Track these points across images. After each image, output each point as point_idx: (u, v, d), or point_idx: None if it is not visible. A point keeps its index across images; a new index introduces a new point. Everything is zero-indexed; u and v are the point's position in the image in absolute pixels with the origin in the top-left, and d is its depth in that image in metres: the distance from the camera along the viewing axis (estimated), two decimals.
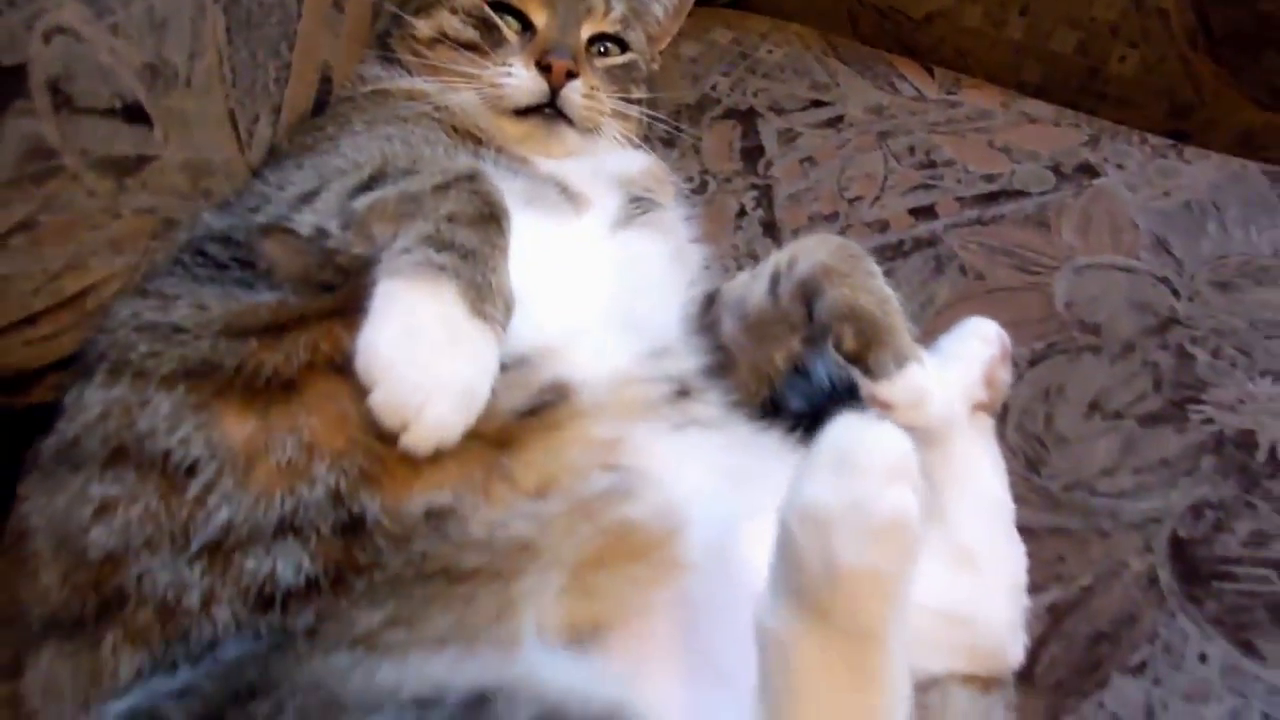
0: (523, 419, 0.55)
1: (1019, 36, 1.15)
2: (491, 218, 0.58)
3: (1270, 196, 1.00)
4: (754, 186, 1.03)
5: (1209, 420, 0.82)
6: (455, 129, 0.76)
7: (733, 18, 1.25)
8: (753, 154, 1.07)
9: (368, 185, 0.60)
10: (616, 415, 0.58)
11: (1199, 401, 0.83)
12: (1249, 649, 0.69)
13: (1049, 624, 0.71)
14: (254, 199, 0.66)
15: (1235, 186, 1.02)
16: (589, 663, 0.48)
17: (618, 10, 0.88)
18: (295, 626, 0.47)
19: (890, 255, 0.95)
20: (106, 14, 0.67)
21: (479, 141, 0.76)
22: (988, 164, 1.04)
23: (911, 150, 1.06)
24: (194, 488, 0.51)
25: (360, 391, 0.53)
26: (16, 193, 0.66)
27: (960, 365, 0.69)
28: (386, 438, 0.51)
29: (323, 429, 0.53)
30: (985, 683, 0.64)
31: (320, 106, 0.84)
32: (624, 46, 0.88)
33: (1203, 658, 0.69)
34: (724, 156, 1.07)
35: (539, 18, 0.82)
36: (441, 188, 0.58)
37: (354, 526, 0.50)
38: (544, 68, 0.78)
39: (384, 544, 0.50)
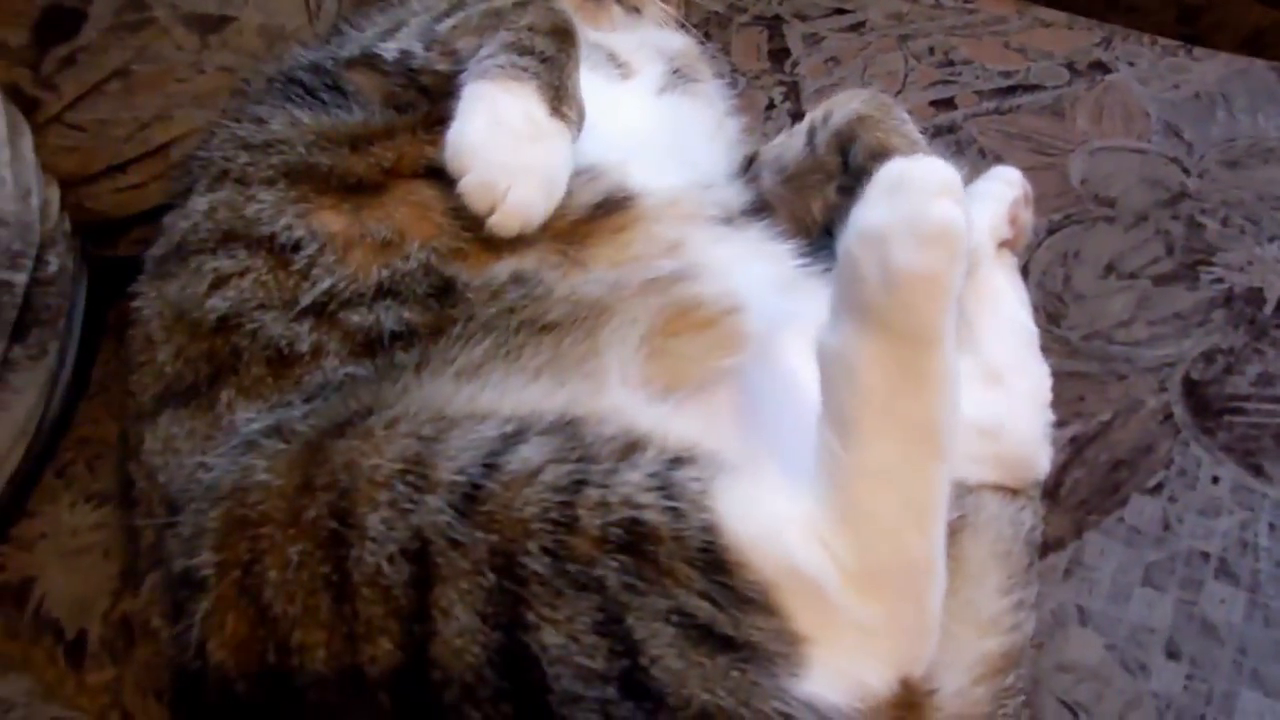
0: (592, 216, 0.61)
1: None
2: (565, 30, 0.63)
3: (1277, 88, 1.05)
4: (781, 83, 1.08)
5: (1219, 280, 0.86)
6: None
7: None
8: (779, 55, 1.11)
9: (448, 13, 0.65)
10: (676, 221, 0.63)
11: (1209, 264, 0.87)
12: (1257, 471, 0.74)
13: (1071, 454, 0.75)
14: (338, 38, 0.71)
15: (1242, 80, 1.06)
16: (660, 410, 0.53)
17: None
18: (403, 362, 0.52)
19: None
20: None
21: None
22: (1004, 62, 1.09)
23: (931, 51, 1.11)
24: (298, 261, 0.56)
25: (445, 191, 0.58)
26: (114, 41, 0.71)
27: (987, 205, 0.74)
28: (473, 224, 0.56)
29: (411, 219, 0.58)
30: (1014, 492, 0.68)
31: None
32: None
33: (1215, 480, 0.74)
34: (752, 57, 1.11)
35: None
36: (520, 4, 0.63)
37: (446, 289, 0.56)
38: None
39: (475, 299, 0.55)
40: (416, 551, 0.44)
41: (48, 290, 0.71)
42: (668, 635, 0.44)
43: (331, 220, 0.58)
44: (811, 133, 0.76)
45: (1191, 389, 0.79)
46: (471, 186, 0.56)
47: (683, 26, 0.97)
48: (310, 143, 0.61)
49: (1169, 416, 0.78)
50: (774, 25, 1.16)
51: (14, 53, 0.68)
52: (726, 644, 0.44)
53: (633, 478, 0.45)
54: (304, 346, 0.54)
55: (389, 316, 0.54)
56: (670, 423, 0.51)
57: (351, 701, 0.44)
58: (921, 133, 1.00)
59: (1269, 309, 0.84)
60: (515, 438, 0.46)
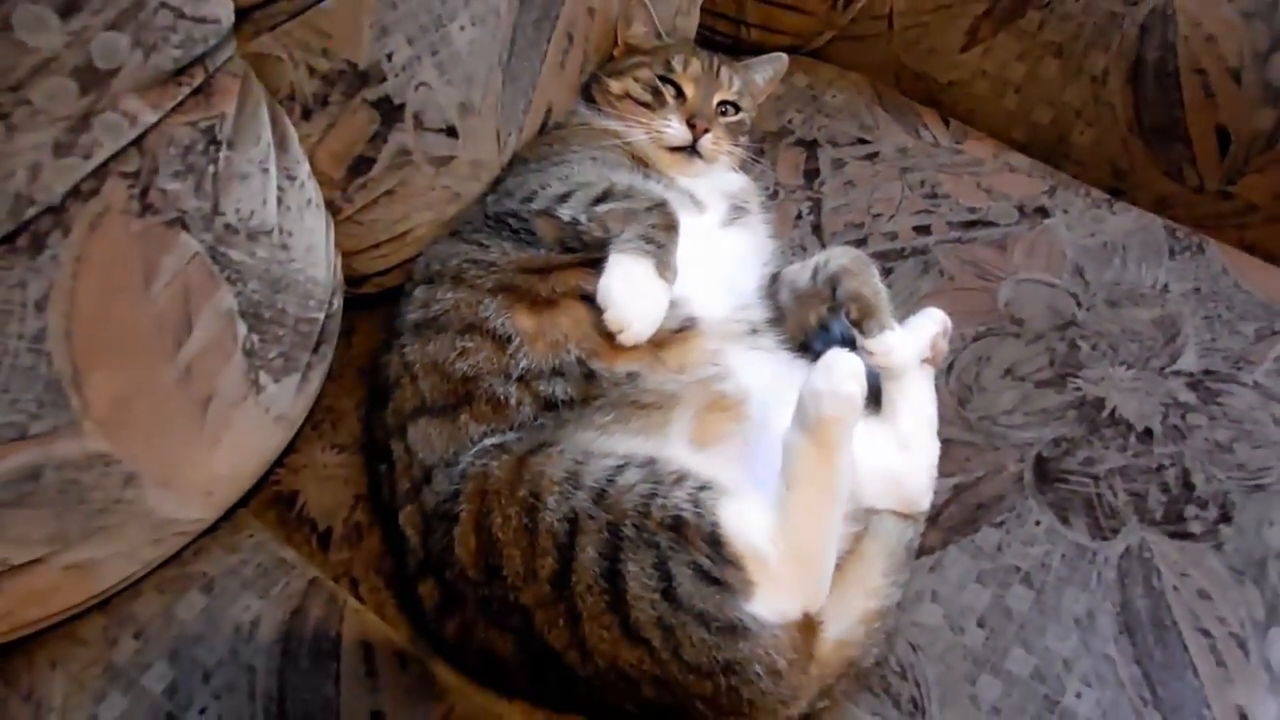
0: (671, 334, 1.04)
1: (1012, 107, 1.55)
2: (674, 227, 1.05)
3: (1162, 245, 1.42)
4: (809, 199, 1.47)
5: (1079, 389, 1.25)
6: (634, 156, 1.23)
7: (810, 65, 1.67)
8: (811, 175, 1.49)
9: (602, 198, 1.07)
10: (719, 337, 1.07)
11: (1076, 376, 1.26)
12: (1065, 521, 1.13)
13: (952, 494, 1.15)
14: (525, 191, 1.13)
15: (1140, 235, 1.43)
16: (699, 456, 0.97)
17: (737, 85, 1.34)
18: (566, 418, 0.97)
19: (894, 257, 1.39)
20: (446, 72, 1.14)
21: (646, 165, 1.24)
22: (973, 199, 1.46)
23: (922, 183, 1.48)
24: (509, 348, 1.01)
25: (590, 309, 1.01)
26: (388, 175, 1.14)
27: (917, 334, 1.12)
28: (609, 336, 1.00)
29: (571, 326, 1.02)
30: (904, 517, 1.08)
31: (542, 128, 1.32)
32: (738, 109, 1.34)
33: (1037, 523, 1.13)
34: (792, 174, 1.50)
35: (689, 89, 1.29)
36: (650, 209, 1.05)
37: (590, 376, 1.00)
38: (690, 124, 1.25)
39: (606, 385, 0.99)
40: (571, 519, 0.88)
41: (332, 319, 1.14)
42: (688, 573, 0.88)
43: (525, 322, 1.02)
44: (815, 270, 1.17)
45: (1040, 462, 1.18)
46: (611, 318, 0.99)
47: (746, 162, 1.38)
48: (515, 269, 1.05)
49: (1020, 479, 1.16)
50: (811, 148, 1.55)
51: (334, 182, 1.11)
52: (714, 580, 0.88)
53: (679, 494, 0.89)
54: (512, 401, 0.98)
55: (559, 389, 0.98)
56: (702, 463, 0.95)
57: (529, 588, 0.90)
58: (902, 251, 1.42)
59: (1104, 414, 1.24)
60: (622, 467, 0.90)
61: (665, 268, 1.02)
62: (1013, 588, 1.10)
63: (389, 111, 1.10)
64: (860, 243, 1.42)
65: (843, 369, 0.88)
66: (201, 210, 0.94)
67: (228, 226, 0.96)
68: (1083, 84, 1.51)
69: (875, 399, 1.13)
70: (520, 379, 0.99)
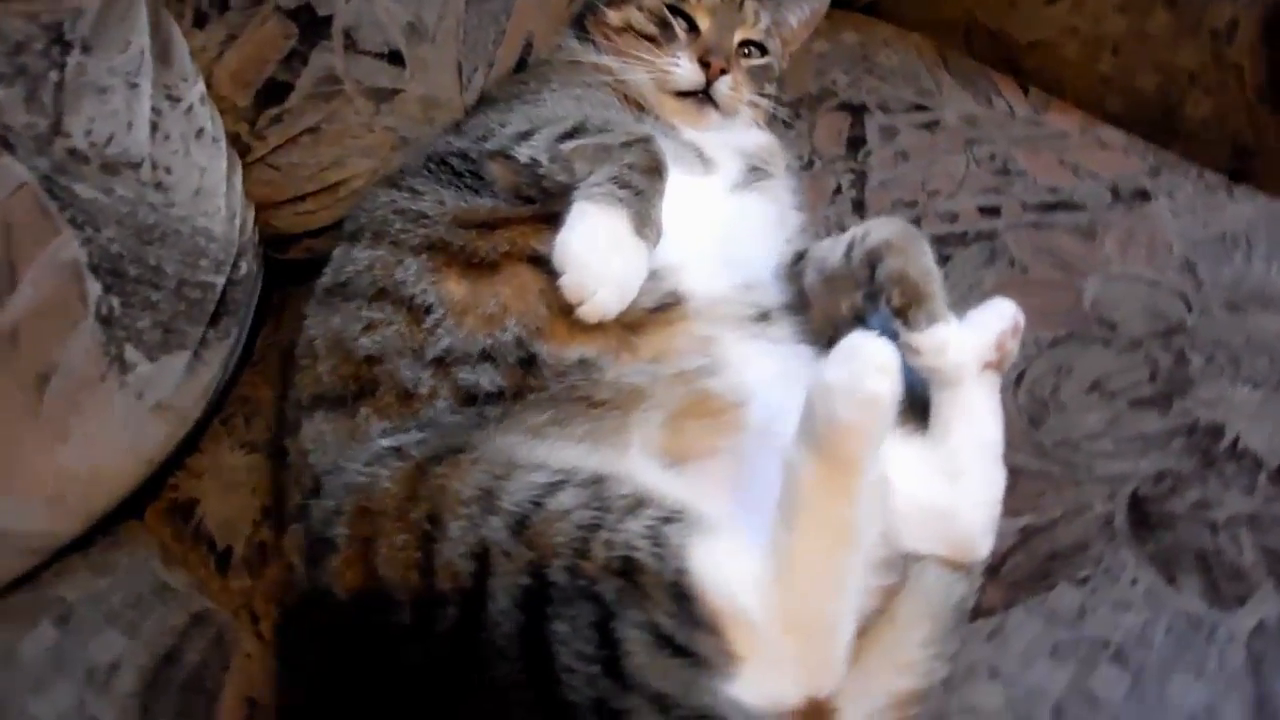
0: (649, 313, 0.80)
1: (1108, 71, 1.30)
2: (657, 170, 0.82)
3: None
4: (852, 170, 1.23)
5: (1188, 412, 0.99)
6: (626, 98, 1.00)
7: (862, 22, 1.43)
8: (856, 143, 1.26)
9: (571, 134, 0.84)
10: (713, 321, 0.82)
11: (1184, 396, 1.00)
12: (1171, 580, 0.88)
13: (1019, 540, 0.90)
14: (481, 129, 0.91)
15: (1270, 225, 1.15)
16: (671, 476, 0.72)
17: (764, 22, 1.10)
18: (489, 415, 0.72)
19: (953, 243, 1.14)
20: None
21: (642, 109, 1.00)
22: (1055, 177, 1.21)
23: (992, 158, 1.23)
24: (428, 322, 0.77)
25: (540, 275, 0.77)
26: (311, 106, 0.92)
27: (979, 331, 0.88)
28: (564, 309, 0.76)
29: (512, 297, 0.78)
30: (954, 566, 0.84)
31: (520, 66, 1.08)
32: (764, 51, 1.10)
33: (1134, 582, 0.88)
34: (832, 141, 1.26)
35: (703, 22, 1.06)
36: (627, 144, 0.82)
37: (529, 361, 0.76)
38: (704, 63, 1.01)
39: (548, 375, 0.75)
40: (480, 554, 0.64)
41: (237, 287, 0.93)
42: (643, 638, 0.63)
43: (454, 290, 0.79)
44: (850, 246, 0.91)
45: (1136, 502, 0.93)
46: (568, 284, 0.75)
47: (773, 118, 1.13)
48: (449, 223, 0.81)
49: (1110, 522, 0.92)
50: (857, 113, 1.30)
51: (240, 111, 0.90)
52: (680, 650, 0.64)
53: (634, 527, 0.64)
54: (424, 389, 0.75)
55: (485, 377, 0.74)
56: (671, 486, 0.70)
57: (422, 645, 0.65)
58: (964, 236, 1.16)
59: (1224, 444, 0.97)
60: (557, 486, 0.66)
61: (644, 222, 0.77)
62: (1099, 668, 0.84)
63: (310, 24, 0.89)
64: (913, 224, 1.15)
65: (867, 358, 0.62)
66: (34, 128, 0.73)
67: (73, 152, 0.75)
68: (1201, 42, 1.24)
69: (922, 412, 0.89)
70: (438, 361, 0.76)
